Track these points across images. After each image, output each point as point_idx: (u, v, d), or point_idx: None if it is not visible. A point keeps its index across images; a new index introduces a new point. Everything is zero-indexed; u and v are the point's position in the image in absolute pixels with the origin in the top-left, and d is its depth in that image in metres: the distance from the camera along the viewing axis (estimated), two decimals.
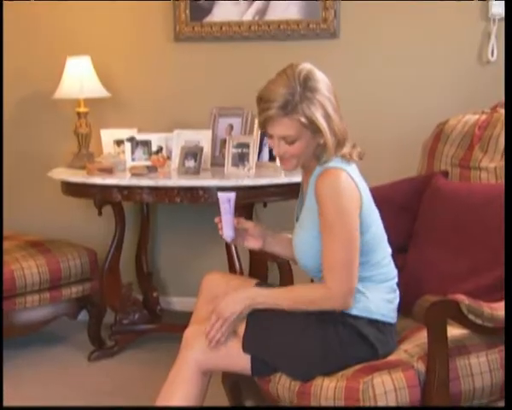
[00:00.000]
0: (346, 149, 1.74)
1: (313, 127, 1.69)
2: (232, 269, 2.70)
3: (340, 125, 1.72)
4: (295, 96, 1.67)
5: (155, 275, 3.25)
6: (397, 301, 1.86)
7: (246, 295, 1.78)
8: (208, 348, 1.80)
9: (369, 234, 1.75)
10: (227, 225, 1.89)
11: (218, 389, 2.14)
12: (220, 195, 1.89)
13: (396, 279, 1.86)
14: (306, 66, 1.72)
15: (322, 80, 1.71)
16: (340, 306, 1.73)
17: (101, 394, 2.55)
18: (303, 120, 1.67)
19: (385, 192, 2.18)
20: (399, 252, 2.09)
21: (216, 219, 1.92)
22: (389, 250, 1.85)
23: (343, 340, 1.76)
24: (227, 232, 1.90)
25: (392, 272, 1.85)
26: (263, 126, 1.74)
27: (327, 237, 1.70)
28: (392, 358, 1.77)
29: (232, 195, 1.88)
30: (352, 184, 1.70)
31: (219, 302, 1.79)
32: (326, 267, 1.71)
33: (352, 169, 1.74)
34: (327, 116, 1.69)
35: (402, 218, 2.15)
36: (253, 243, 1.97)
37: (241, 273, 2.70)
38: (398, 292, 1.87)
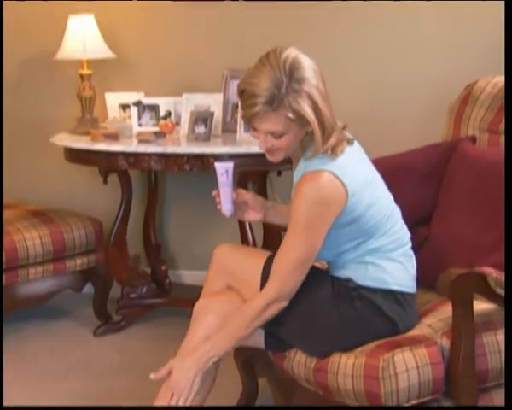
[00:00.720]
0: (332, 140, 1.71)
1: (301, 120, 1.68)
2: (245, 241, 2.71)
3: (328, 115, 1.70)
4: (281, 89, 1.64)
5: (164, 247, 3.25)
6: (414, 268, 1.86)
7: (194, 359, 1.78)
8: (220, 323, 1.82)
9: (368, 214, 1.74)
10: (225, 198, 1.86)
11: (230, 366, 2.16)
12: (217, 165, 1.85)
13: (410, 244, 1.86)
14: (291, 52, 1.68)
15: (308, 67, 1.68)
16: (278, 308, 1.76)
17: (108, 370, 2.58)
18: (290, 115, 1.66)
19: (408, 160, 2.16)
20: (423, 223, 2.09)
21: (213, 193, 1.91)
22: (398, 214, 1.84)
23: (360, 314, 1.77)
24: (225, 206, 1.88)
25: (404, 237, 1.84)
26: (248, 122, 1.72)
27: (287, 239, 1.73)
28: (414, 333, 1.77)
29: (230, 165, 1.85)
30: (333, 186, 1.68)
31: (170, 377, 1.78)
32: (274, 267, 1.76)
33: (339, 162, 1.71)
34: (315, 107, 1.67)
35: (426, 187, 2.13)
36: (254, 216, 1.97)
37: (254, 245, 2.71)
38: (414, 258, 1.86)
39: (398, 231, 1.83)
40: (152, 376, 1.82)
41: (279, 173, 3.00)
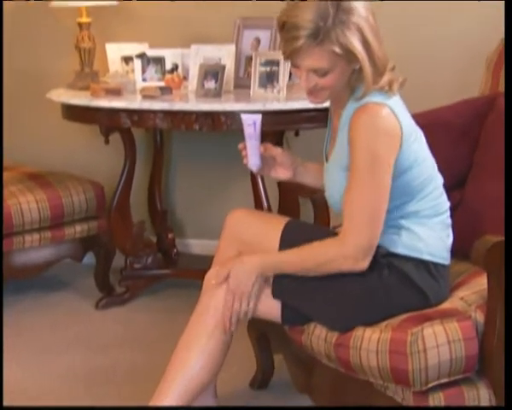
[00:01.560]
0: (385, 78, 1.70)
1: (349, 56, 1.66)
2: (259, 207, 2.70)
3: (379, 52, 1.68)
4: (327, 20, 1.62)
5: (171, 214, 3.25)
6: (450, 239, 1.86)
7: (255, 265, 1.80)
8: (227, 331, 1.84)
9: (414, 171, 1.75)
10: (252, 151, 1.88)
11: (244, 341, 2.17)
12: (244, 117, 1.87)
13: (448, 213, 1.86)
14: None
15: None
16: (353, 266, 1.72)
17: (111, 345, 2.59)
18: (337, 49, 1.64)
19: (442, 116, 2.15)
20: (457, 185, 2.08)
21: (240, 146, 1.92)
22: (440, 180, 1.84)
23: (388, 286, 1.76)
24: (252, 160, 1.90)
25: (444, 204, 1.84)
26: (289, 58, 1.70)
27: (354, 184, 1.70)
28: (445, 306, 1.77)
29: (258, 117, 1.87)
30: (393, 121, 1.68)
31: (229, 282, 1.82)
32: (347, 219, 1.72)
33: (394, 102, 1.72)
34: (365, 42, 1.65)
35: (461, 145, 2.12)
36: (282, 173, 1.97)
37: (270, 211, 2.70)
38: (450, 229, 1.87)
39: (439, 198, 1.83)
40: (213, 282, 1.84)
41: (296, 133, 2.99)
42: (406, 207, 1.76)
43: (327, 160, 1.87)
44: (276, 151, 1.95)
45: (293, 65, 1.72)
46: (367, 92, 1.69)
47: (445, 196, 1.85)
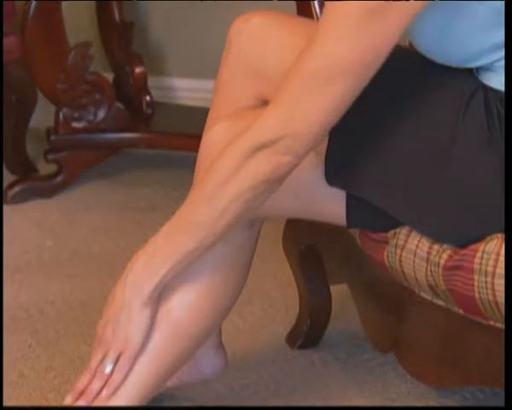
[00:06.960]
0: None
1: None
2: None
3: None
4: None
5: (139, 32, 3.35)
6: None
7: (137, 289, 1.85)
8: None
9: None
10: None
11: (276, 260, 2.22)
12: None
13: None
14: None
15: None
16: (269, 170, 1.72)
17: (33, 268, 2.66)
18: None
19: None
20: None
21: None
22: None
23: None
24: None
25: None
26: None
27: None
28: None
29: None
30: None
31: (100, 327, 1.88)
32: (287, 75, 1.75)
33: None
34: None
35: None
36: None
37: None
38: None
39: None
40: (68, 400, 1.89)
41: None
42: None
43: None
44: None
45: None
46: None
47: None
